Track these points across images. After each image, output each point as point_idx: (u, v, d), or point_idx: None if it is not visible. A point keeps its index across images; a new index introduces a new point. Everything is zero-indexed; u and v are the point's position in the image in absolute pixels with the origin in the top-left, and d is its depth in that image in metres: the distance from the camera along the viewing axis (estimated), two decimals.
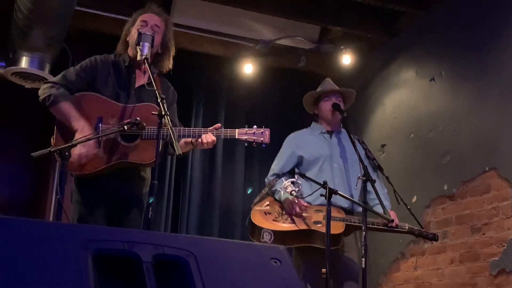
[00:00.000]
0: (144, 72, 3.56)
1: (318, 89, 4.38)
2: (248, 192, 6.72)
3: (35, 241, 1.74)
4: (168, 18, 3.75)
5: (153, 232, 2.09)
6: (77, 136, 3.29)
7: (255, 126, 3.52)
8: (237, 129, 3.51)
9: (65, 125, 3.40)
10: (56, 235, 1.78)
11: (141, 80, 3.59)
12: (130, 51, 3.61)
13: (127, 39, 3.64)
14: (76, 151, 3.26)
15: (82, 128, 3.32)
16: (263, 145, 3.52)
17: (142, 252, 1.81)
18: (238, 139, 3.51)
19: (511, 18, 4.85)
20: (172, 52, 3.70)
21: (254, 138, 3.49)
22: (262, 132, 3.50)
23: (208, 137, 3.42)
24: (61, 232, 1.80)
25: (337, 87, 4.36)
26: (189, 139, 3.52)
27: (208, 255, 1.91)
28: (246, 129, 3.51)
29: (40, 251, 1.73)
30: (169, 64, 3.68)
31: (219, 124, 3.50)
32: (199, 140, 3.43)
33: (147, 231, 2.22)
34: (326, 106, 4.26)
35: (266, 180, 4.22)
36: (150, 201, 2.99)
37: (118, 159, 3.37)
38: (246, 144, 3.53)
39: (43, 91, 3.43)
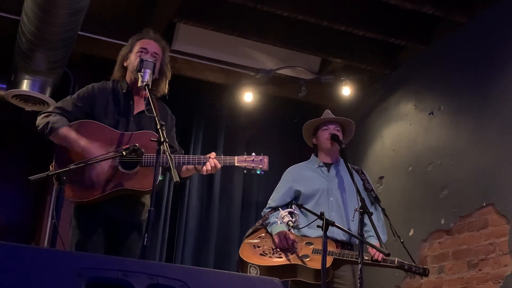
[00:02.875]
0: (145, 99, 3.56)
1: (318, 120, 4.39)
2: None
3: (29, 267, 1.74)
4: (165, 44, 3.77)
5: (147, 261, 2.09)
6: (83, 156, 3.30)
7: (253, 154, 3.54)
8: (236, 156, 3.52)
9: (65, 151, 3.40)
10: (50, 262, 1.77)
11: (140, 106, 3.59)
12: (128, 77, 3.63)
13: (125, 64, 3.65)
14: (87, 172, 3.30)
15: (84, 148, 3.33)
16: (262, 173, 3.53)
17: (136, 282, 1.80)
18: (237, 166, 3.52)
19: (510, 55, 4.88)
20: (168, 76, 3.73)
21: (253, 165, 3.51)
22: (261, 159, 3.53)
23: (212, 163, 3.43)
24: (55, 259, 1.80)
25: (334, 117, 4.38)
26: (191, 167, 3.53)
27: (203, 286, 1.90)
28: (245, 156, 3.52)
29: (34, 278, 1.72)
30: (164, 88, 3.70)
31: (214, 153, 3.50)
32: (203, 168, 3.44)
33: (142, 260, 2.21)
34: (324, 135, 4.27)
35: (262, 213, 4.23)
36: None
37: (117, 186, 3.36)
38: (245, 171, 3.55)
39: (40, 120, 3.44)
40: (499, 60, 5.00)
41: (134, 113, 3.57)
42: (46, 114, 3.46)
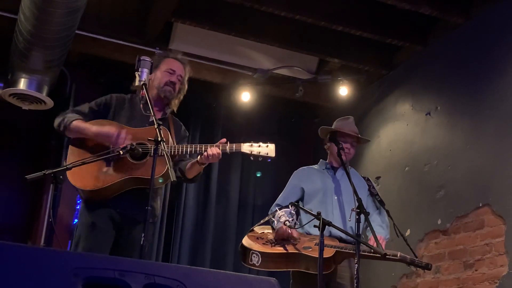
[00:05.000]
0: (142, 98, 3.59)
1: (337, 123, 4.38)
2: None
3: (26, 267, 1.74)
4: (187, 65, 3.91)
5: (144, 261, 2.09)
6: (105, 138, 3.46)
7: (260, 142, 3.56)
8: (242, 143, 3.56)
9: (78, 146, 3.52)
10: (47, 262, 1.77)
11: (156, 116, 3.64)
12: (152, 92, 3.67)
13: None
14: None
15: (96, 132, 3.48)
16: (269, 160, 3.55)
17: (133, 282, 1.80)
18: (243, 153, 3.55)
19: (508, 56, 4.90)
20: (182, 94, 3.87)
21: (260, 150, 3.53)
22: (267, 145, 3.56)
23: (213, 150, 3.48)
24: (52, 258, 1.80)
25: (355, 128, 4.37)
26: (194, 160, 3.58)
27: (199, 286, 1.90)
28: (252, 143, 3.55)
29: (31, 278, 1.72)
30: (175, 105, 3.85)
31: (224, 139, 3.57)
32: (204, 153, 3.48)
33: (139, 260, 2.21)
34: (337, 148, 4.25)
35: (269, 212, 4.26)
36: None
37: (128, 175, 3.44)
38: (251, 158, 3.57)
39: (56, 121, 3.59)
40: (495, 61, 5.00)
41: (150, 120, 3.59)
42: (60, 115, 3.62)
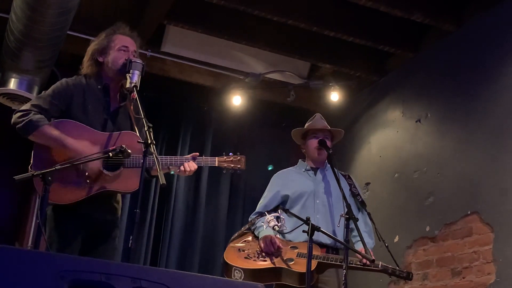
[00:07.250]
0: (121, 95, 3.52)
1: (307, 125, 4.39)
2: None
3: (12, 269, 1.72)
4: (138, 37, 3.68)
5: (131, 264, 2.07)
6: (67, 155, 3.24)
7: (231, 153, 3.67)
8: (216, 157, 3.63)
9: (44, 151, 3.32)
10: (33, 264, 1.76)
11: (115, 103, 3.54)
12: (107, 73, 3.53)
13: (100, 60, 3.56)
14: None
15: (71, 148, 3.26)
16: (238, 172, 3.68)
17: (119, 285, 1.80)
18: (218, 166, 3.63)
19: (498, 65, 4.92)
20: None
21: (232, 165, 3.64)
22: (238, 159, 3.67)
23: (191, 165, 3.47)
24: (38, 261, 1.79)
25: (326, 124, 4.37)
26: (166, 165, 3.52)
27: None
28: (225, 157, 3.64)
29: (16, 280, 1.71)
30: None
31: (197, 153, 3.55)
32: (181, 168, 3.45)
33: (125, 264, 2.20)
34: (312, 144, 4.27)
35: (249, 218, 4.23)
36: None
37: (101, 188, 3.32)
38: (224, 171, 3.69)
39: (20, 118, 3.31)
40: (486, 68, 5.03)
41: (111, 110, 3.51)
42: (24, 112, 3.33)
